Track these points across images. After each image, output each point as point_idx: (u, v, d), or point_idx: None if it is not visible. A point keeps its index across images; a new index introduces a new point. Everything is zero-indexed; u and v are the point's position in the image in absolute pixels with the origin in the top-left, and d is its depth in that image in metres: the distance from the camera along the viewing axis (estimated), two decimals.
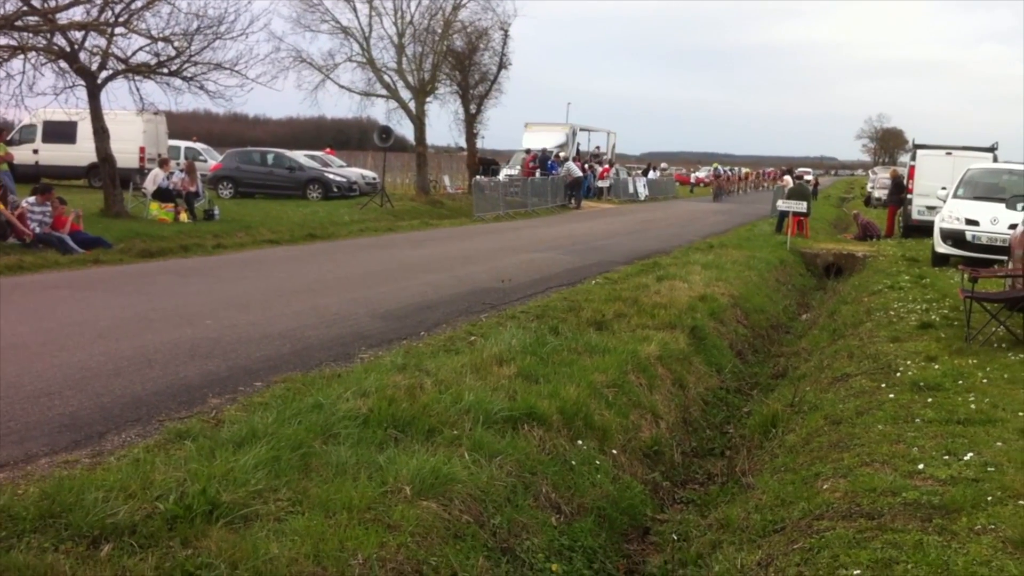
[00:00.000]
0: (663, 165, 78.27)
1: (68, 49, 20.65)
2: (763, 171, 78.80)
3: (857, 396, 8.49)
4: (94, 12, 20.19)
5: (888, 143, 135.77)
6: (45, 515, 4.41)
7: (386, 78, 36.41)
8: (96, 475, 4.99)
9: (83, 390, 7.14)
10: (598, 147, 52.34)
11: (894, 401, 7.97)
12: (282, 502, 4.92)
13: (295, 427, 5.92)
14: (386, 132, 32.77)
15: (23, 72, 19.60)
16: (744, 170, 73.68)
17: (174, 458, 5.35)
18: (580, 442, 7.18)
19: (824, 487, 6.11)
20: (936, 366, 9.12)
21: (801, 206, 24.67)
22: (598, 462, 7.10)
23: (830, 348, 11.75)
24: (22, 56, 19.64)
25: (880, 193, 41.68)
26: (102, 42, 21.13)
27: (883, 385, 8.62)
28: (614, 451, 7.55)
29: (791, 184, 31.25)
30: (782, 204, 25.48)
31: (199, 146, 41.84)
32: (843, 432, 7.38)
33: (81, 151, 30.34)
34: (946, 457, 6.27)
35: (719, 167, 41.97)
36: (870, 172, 75.07)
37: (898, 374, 8.94)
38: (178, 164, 24.58)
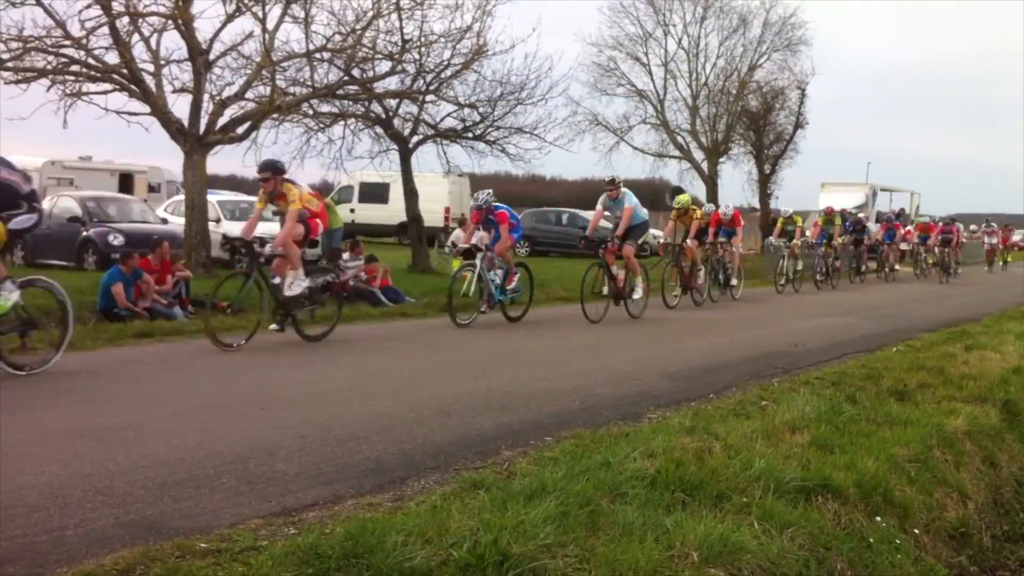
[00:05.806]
0: (972, 227, 72.33)
1: (384, 116, 22.36)
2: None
3: None
4: (407, 81, 21.78)
5: None
6: (348, 555, 4.65)
7: (679, 139, 36.81)
8: (396, 519, 5.23)
9: (387, 436, 7.55)
10: (902, 208, 49.86)
11: None
12: (569, 558, 4.96)
13: (583, 484, 5.96)
14: (678, 192, 32.87)
15: (343, 137, 21.56)
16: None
17: (468, 507, 5.52)
18: (878, 518, 6.80)
19: None
20: None
21: None
22: (898, 541, 6.68)
23: None
24: (343, 122, 21.50)
25: None
26: (414, 109, 22.77)
27: None
28: (915, 530, 7.08)
29: None
30: None
31: None
32: None
33: (393, 211, 32.48)
34: None
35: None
36: None
37: None
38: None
